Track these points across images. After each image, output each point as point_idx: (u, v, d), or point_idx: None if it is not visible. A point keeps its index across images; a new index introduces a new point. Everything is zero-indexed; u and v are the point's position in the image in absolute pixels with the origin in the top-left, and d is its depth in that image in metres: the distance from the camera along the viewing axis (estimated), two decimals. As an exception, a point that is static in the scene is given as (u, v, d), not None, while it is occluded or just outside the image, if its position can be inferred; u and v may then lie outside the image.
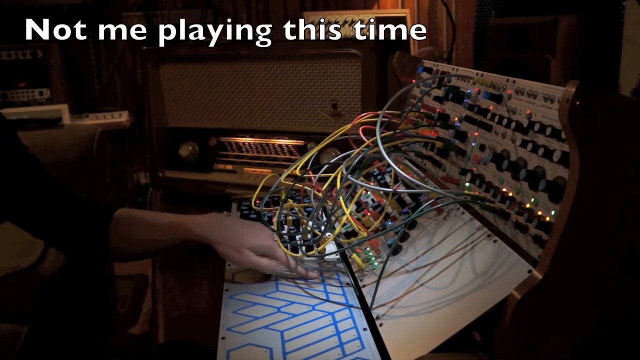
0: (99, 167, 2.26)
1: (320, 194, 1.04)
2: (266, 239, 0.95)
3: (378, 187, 1.05)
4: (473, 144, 0.86)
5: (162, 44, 3.24)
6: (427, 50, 3.18)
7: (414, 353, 0.68)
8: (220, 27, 3.41)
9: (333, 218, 0.97)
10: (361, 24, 2.97)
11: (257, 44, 1.36)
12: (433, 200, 0.88)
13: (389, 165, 0.85)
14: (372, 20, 2.99)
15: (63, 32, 3.21)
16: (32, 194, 0.98)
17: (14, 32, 3.08)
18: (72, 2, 3.07)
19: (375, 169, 1.09)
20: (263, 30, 2.77)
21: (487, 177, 0.80)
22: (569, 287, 0.63)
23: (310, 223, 1.01)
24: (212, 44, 1.52)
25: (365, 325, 0.79)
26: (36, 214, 0.99)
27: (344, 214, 0.92)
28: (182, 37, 3.35)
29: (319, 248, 0.99)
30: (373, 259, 0.93)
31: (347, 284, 0.92)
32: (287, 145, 1.40)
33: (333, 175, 0.98)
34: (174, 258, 1.14)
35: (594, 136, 0.60)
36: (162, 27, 3.30)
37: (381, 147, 0.80)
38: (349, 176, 0.90)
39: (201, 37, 1.54)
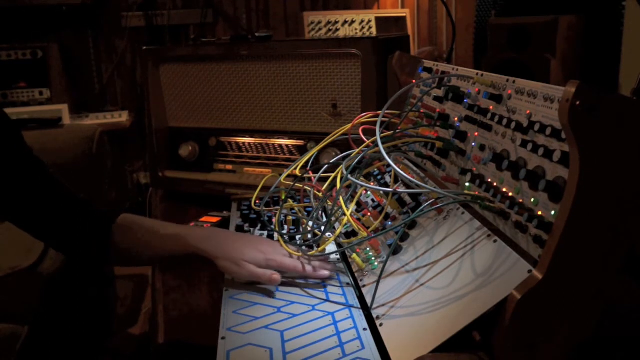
0: (99, 167, 2.26)
1: (320, 194, 1.04)
2: (264, 251, 0.92)
3: (378, 187, 1.05)
4: (473, 144, 0.86)
5: (162, 44, 3.25)
6: (427, 50, 3.18)
7: (414, 353, 0.68)
8: (220, 27, 3.41)
9: (333, 218, 0.97)
10: (361, 24, 2.97)
11: (256, 36, 1.37)
12: (433, 200, 0.88)
13: (389, 165, 0.85)
14: (372, 20, 2.99)
15: (63, 32, 3.21)
16: (35, 195, 0.97)
17: (14, 32, 3.09)
18: (72, 2, 3.07)
19: (376, 169, 1.09)
20: (263, 30, 2.78)
21: (487, 177, 0.80)
22: (569, 287, 0.63)
23: (310, 223, 1.01)
24: (212, 44, 1.52)
25: (365, 325, 0.78)
26: (38, 215, 0.98)
27: (344, 214, 0.92)
28: (182, 37, 3.35)
29: (319, 248, 0.98)
30: (373, 259, 0.93)
31: (347, 284, 0.92)
32: (287, 145, 1.40)
33: (333, 175, 0.98)
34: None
35: (594, 136, 0.60)
36: (162, 27, 3.30)
37: (381, 147, 0.80)
38: (349, 176, 0.90)
39: (201, 37, 1.54)
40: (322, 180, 1.06)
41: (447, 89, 0.96)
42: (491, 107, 0.83)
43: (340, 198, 0.93)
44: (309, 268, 0.92)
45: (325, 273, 0.92)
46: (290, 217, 1.09)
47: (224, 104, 1.46)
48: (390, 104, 0.93)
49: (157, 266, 1.13)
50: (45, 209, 0.98)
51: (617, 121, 0.60)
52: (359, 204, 1.07)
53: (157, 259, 1.03)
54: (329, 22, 2.96)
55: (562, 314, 0.64)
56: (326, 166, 1.10)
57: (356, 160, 0.94)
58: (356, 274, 0.93)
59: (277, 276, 0.90)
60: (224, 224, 1.23)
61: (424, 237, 0.87)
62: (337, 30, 2.96)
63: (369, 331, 0.77)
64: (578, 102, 0.58)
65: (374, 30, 2.98)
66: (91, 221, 1.00)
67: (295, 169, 1.08)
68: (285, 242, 1.01)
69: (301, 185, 1.10)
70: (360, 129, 0.96)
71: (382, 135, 0.88)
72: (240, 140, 1.46)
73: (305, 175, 1.09)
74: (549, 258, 0.62)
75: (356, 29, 2.97)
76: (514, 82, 0.78)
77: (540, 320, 0.64)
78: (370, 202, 1.06)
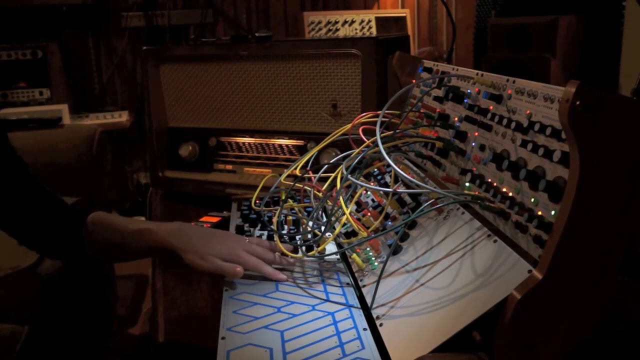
0: (99, 167, 2.26)
1: (320, 194, 1.04)
2: (229, 246, 0.94)
3: (378, 187, 1.05)
4: (473, 144, 0.86)
5: (162, 44, 3.25)
6: (427, 50, 3.19)
7: (414, 353, 0.68)
8: (220, 27, 3.41)
9: (333, 218, 0.97)
10: (361, 24, 2.97)
11: (256, 36, 1.37)
12: (433, 200, 0.88)
13: (389, 165, 0.85)
14: (372, 20, 2.99)
15: (63, 32, 3.21)
16: (11, 194, 0.99)
17: (14, 32, 3.09)
18: (72, 2, 3.07)
19: (375, 169, 1.09)
20: (263, 30, 2.79)
21: (487, 177, 0.80)
22: (569, 287, 0.63)
23: (310, 223, 1.01)
24: (212, 44, 1.52)
25: (365, 325, 0.78)
26: (12, 213, 1.00)
27: (344, 214, 0.92)
28: (182, 37, 3.35)
29: (319, 248, 0.99)
30: (373, 259, 0.93)
31: (347, 284, 0.92)
32: (287, 145, 1.40)
33: (333, 175, 0.98)
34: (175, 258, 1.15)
35: (594, 136, 0.60)
36: (162, 27, 3.30)
37: (381, 147, 0.80)
38: (349, 176, 0.90)
39: (201, 37, 1.55)
40: (322, 180, 1.06)
41: (447, 89, 0.96)
42: (491, 107, 0.83)
43: (340, 198, 0.93)
44: (269, 270, 0.93)
45: (283, 277, 0.93)
46: (290, 217, 1.09)
47: (224, 104, 1.46)
48: (390, 104, 0.93)
49: (157, 266, 1.13)
50: (19, 207, 1.00)
51: (617, 121, 0.60)
52: (358, 204, 1.07)
53: (128, 254, 1.05)
54: (329, 22, 2.96)
55: (562, 314, 0.64)
56: (326, 166, 1.10)
57: (356, 160, 0.94)
58: (356, 274, 0.93)
59: (240, 269, 0.91)
60: (224, 224, 1.23)
61: (424, 237, 0.87)
62: (337, 30, 2.96)
63: (369, 331, 0.77)
64: (578, 102, 0.58)
65: (374, 30, 2.98)
66: (63, 219, 1.02)
67: (295, 169, 1.08)
68: (284, 242, 1.01)
69: (301, 185, 1.10)
70: (360, 129, 0.96)
71: (382, 135, 0.88)
72: (240, 140, 1.46)
73: (305, 175, 1.09)
74: (549, 258, 0.62)
75: (356, 29, 2.97)
76: (514, 82, 0.78)
77: (540, 320, 0.64)
78: (370, 202, 1.06)
